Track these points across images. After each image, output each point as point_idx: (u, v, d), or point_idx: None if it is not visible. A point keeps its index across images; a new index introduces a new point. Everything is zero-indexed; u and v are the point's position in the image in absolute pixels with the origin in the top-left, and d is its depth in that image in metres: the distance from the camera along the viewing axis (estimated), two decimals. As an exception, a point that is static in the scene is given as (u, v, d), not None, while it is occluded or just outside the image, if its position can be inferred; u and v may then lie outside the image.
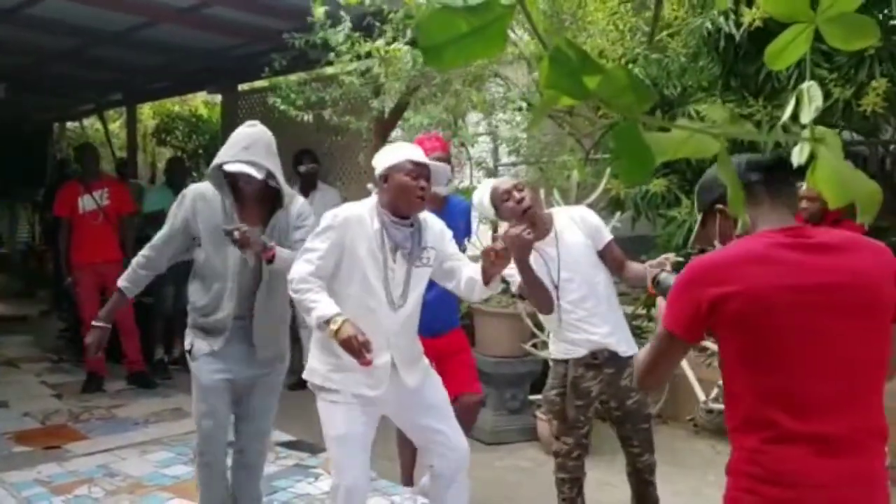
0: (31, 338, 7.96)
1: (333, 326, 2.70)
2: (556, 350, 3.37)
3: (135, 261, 3.29)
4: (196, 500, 3.86)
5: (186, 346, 3.28)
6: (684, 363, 5.22)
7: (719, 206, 1.91)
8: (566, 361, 3.31)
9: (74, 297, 6.41)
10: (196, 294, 3.26)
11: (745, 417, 1.73)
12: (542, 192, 5.24)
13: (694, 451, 4.93)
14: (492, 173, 6.96)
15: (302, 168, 6.03)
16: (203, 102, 10.69)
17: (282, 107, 5.39)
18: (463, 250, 4.15)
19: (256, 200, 3.20)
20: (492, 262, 2.86)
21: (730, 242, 1.85)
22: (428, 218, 3.12)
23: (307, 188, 6.07)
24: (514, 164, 6.99)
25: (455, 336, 3.92)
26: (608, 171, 5.00)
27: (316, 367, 3.00)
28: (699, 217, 2.01)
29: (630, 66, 4.52)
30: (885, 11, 4.10)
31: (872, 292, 1.70)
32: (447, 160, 3.95)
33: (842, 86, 3.79)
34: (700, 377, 5.16)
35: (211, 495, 3.33)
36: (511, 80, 5.40)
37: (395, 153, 3.01)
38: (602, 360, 3.27)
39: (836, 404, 1.67)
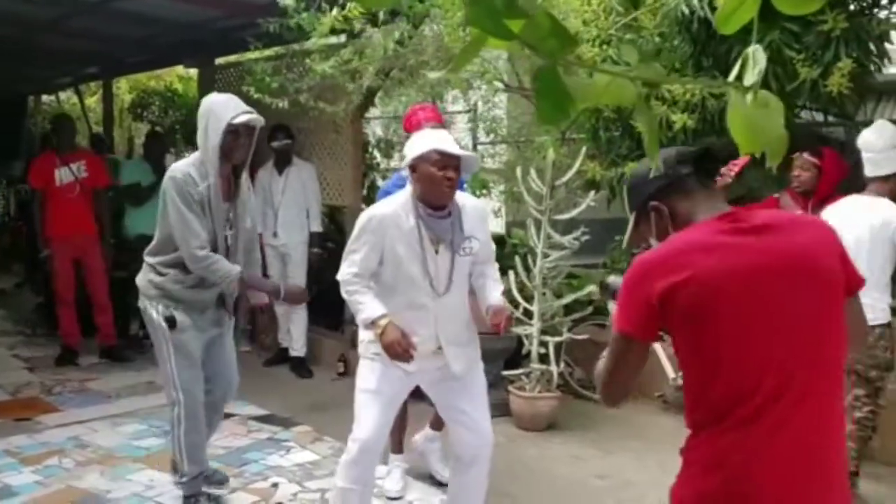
0: (5, 311, 7.91)
1: (378, 330, 2.90)
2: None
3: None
4: (167, 471, 3.90)
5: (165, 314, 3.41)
6: (656, 342, 5.28)
7: (654, 203, 1.83)
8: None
9: (49, 270, 6.37)
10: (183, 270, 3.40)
11: (704, 408, 1.67)
12: (518, 172, 5.28)
13: (662, 427, 5.01)
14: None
15: (276, 143, 6.00)
16: (178, 77, 10.60)
17: (255, 95, 5.38)
18: None
19: (227, 177, 3.40)
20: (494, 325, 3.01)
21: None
22: (468, 203, 3.12)
23: (282, 164, 6.05)
24: (492, 144, 7.02)
25: None
26: (583, 151, 5.04)
27: (363, 337, 3.16)
28: (632, 218, 1.92)
29: (604, 47, 4.54)
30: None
31: (820, 267, 1.67)
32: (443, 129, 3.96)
33: (809, 66, 3.83)
34: (670, 354, 5.21)
35: (199, 447, 3.59)
36: (487, 61, 5.41)
37: (423, 142, 2.95)
38: None
39: (798, 387, 1.60)
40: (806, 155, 4.06)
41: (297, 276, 6.08)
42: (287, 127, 6.05)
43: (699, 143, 4.40)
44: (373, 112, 6.90)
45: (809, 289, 1.64)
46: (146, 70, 9.80)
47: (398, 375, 3.04)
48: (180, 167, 3.32)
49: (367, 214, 3.01)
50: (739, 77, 1.16)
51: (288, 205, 6.06)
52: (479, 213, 3.15)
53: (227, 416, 4.95)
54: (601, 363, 1.81)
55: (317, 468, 4.22)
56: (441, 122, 3.99)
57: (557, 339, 5.08)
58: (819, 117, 6.03)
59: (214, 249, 3.34)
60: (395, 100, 6.04)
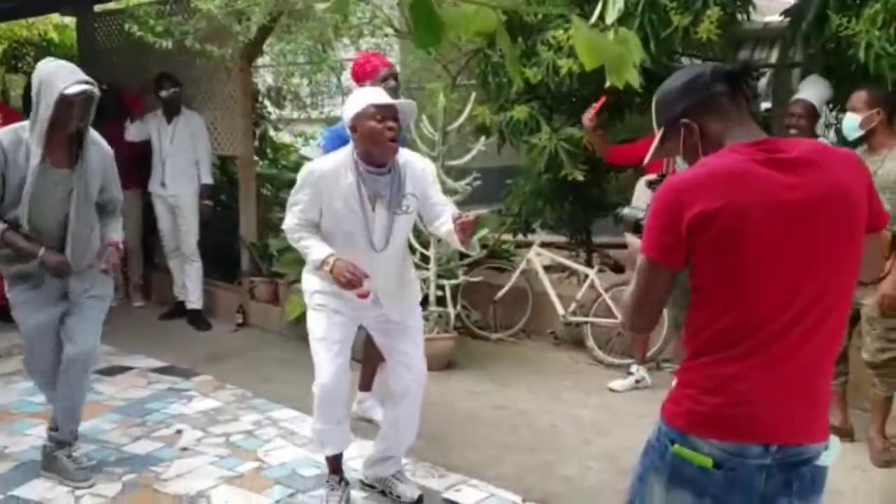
0: None
1: (327, 268, 3.00)
2: None
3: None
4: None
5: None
6: (547, 283, 5.54)
7: (685, 120, 1.76)
8: None
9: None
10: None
11: (708, 335, 1.69)
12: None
13: (554, 361, 5.28)
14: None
15: (163, 93, 5.86)
16: (54, 26, 10.05)
17: (139, 33, 5.25)
18: None
19: (65, 143, 3.29)
20: (462, 231, 2.93)
21: (696, 159, 1.76)
22: (410, 160, 3.16)
23: (170, 113, 5.92)
24: (384, 92, 7.03)
25: None
26: (473, 96, 5.15)
27: (306, 287, 3.28)
28: (659, 133, 1.85)
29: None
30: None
31: (850, 205, 1.66)
32: (395, 76, 3.95)
33: (681, 14, 4.05)
34: (560, 293, 5.48)
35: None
36: (377, 6, 5.43)
37: (358, 100, 2.99)
38: None
39: (808, 322, 1.64)
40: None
41: (189, 228, 6.00)
42: (174, 76, 5.91)
43: (591, 84, 4.56)
44: (262, 60, 6.80)
45: (838, 228, 1.65)
46: (16, 18, 9.26)
47: (342, 321, 3.20)
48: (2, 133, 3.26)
49: (308, 169, 3.12)
50: (602, 16, 1.29)
51: (176, 155, 5.95)
52: (422, 171, 3.16)
53: (125, 369, 4.95)
54: (627, 294, 1.76)
55: (220, 414, 4.26)
56: (392, 68, 3.98)
57: (454, 282, 5.25)
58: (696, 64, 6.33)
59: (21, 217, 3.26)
60: (283, 46, 5.99)
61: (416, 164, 3.17)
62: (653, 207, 1.69)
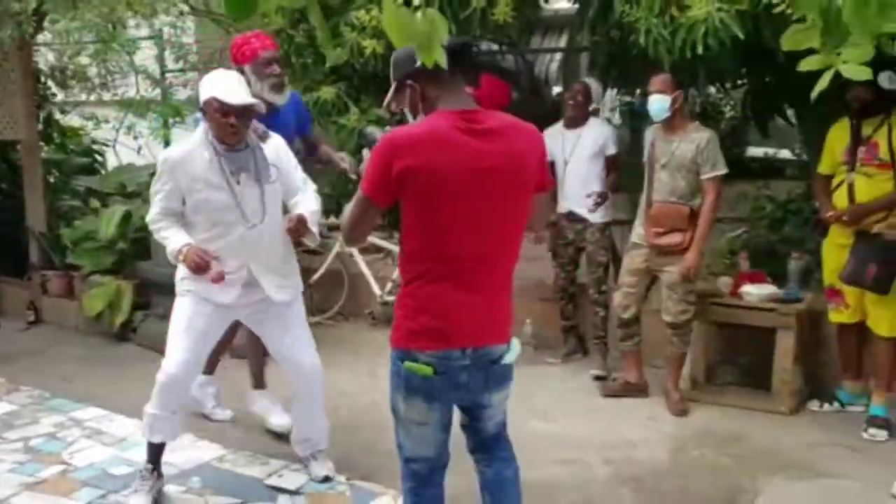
0: None
1: (181, 257, 2.99)
2: None
3: None
4: None
5: None
6: (362, 264, 5.58)
7: (410, 82, 2.16)
8: None
9: None
10: None
11: (415, 266, 2.13)
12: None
13: (370, 340, 5.33)
14: (159, 81, 6.67)
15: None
16: None
17: None
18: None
19: None
20: (292, 235, 3.10)
21: (417, 114, 2.18)
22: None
23: (-62, 95, 5.36)
24: (182, 71, 6.76)
25: None
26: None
27: (177, 275, 3.19)
28: (392, 88, 2.25)
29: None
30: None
31: (525, 173, 2.13)
32: (278, 60, 3.69)
33: (479, -4, 4.20)
34: (375, 274, 5.54)
35: None
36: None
37: (209, 88, 2.96)
38: None
39: (489, 258, 2.13)
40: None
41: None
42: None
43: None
44: (44, 38, 6.28)
45: (514, 191, 2.12)
46: None
47: (209, 311, 3.12)
48: None
49: (162, 157, 3.07)
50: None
51: (-54, 141, 5.41)
52: (276, 147, 3.18)
53: None
54: (348, 212, 2.18)
55: (15, 418, 3.96)
56: (276, 48, 3.74)
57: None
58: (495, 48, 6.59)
59: None
60: (67, 23, 5.57)
61: (271, 141, 3.18)
62: (373, 153, 2.09)
